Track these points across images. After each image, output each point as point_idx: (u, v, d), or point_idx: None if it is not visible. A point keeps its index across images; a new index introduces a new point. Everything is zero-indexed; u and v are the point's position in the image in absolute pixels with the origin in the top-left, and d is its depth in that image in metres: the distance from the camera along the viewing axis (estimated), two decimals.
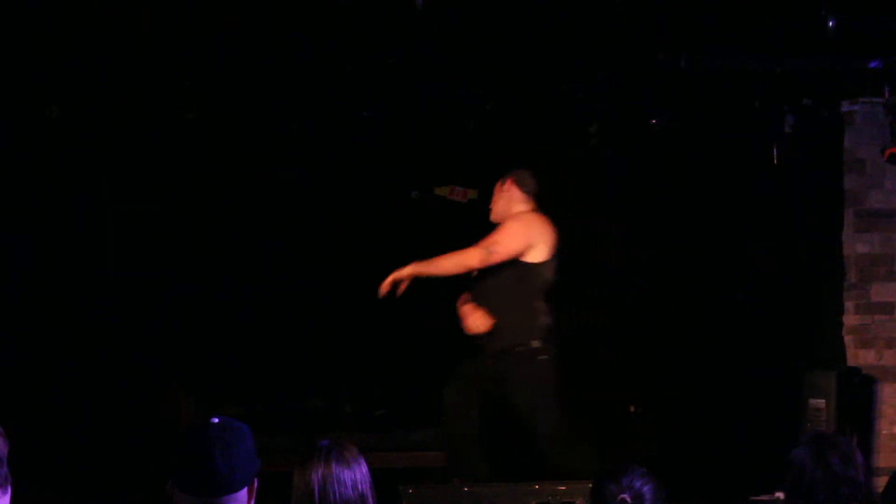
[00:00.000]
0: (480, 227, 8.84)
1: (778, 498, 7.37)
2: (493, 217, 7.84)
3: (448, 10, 6.92)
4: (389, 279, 7.52)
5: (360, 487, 4.38)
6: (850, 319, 9.04)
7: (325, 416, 8.40)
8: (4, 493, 3.63)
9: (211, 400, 7.80)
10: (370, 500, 4.42)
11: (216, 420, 3.72)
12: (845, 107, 9.05)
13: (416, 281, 8.57)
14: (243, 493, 3.65)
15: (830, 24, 7.33)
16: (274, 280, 8.71)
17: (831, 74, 8.45)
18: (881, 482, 7.72)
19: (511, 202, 7.85)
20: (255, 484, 3.71)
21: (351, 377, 8.71)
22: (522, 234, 7.71)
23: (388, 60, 7.70)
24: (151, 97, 7.98)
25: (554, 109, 8.09)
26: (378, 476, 4.52)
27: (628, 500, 4.44)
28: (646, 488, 4.49)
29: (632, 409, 8.59)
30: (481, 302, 7.64)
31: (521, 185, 7.86)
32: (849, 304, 9.04)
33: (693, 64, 7.99)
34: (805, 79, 8.54)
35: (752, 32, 7.62)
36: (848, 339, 9.02)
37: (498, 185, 7.89)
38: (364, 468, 4.45)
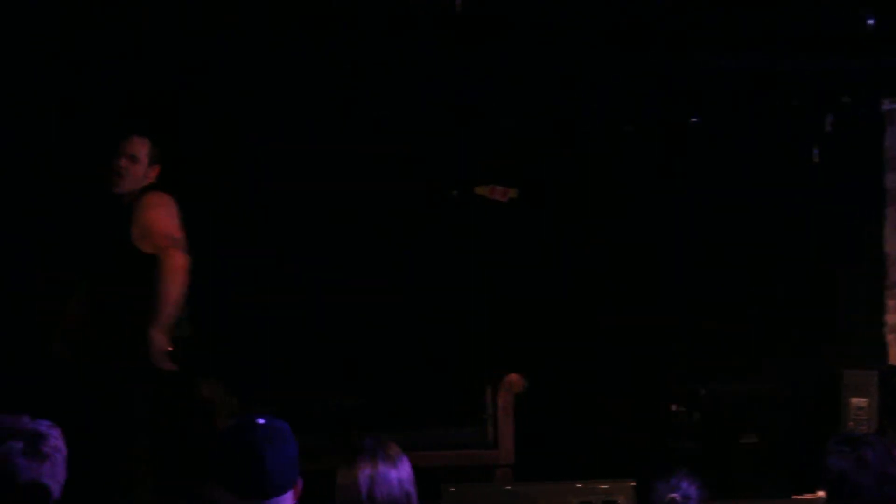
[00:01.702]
0: (520, 225, 8.84)
1: (820, 497, 7.32)
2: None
3: (487, 9, 6.91)
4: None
5: (405, 486, 4.37)
6: (891, 317, 9.00)
7: (367, 414, 8.38)
8: (59, 492, 3.64)
9: (252, 398, 7.78)
10: (414, 498, 4.40)
11: (262, 420, 3.70)
12: (886, 105, 9.00)
13: (458, 280, 8.59)
14: (289, 493, 3.63)
15: (870, 22, 7.30)
16: (314, 279, 8.70)
17: (871, 73, 8.42)
18: None
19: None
20: (300, 484, 3.69)
21: (391, 374, 8.69)
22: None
23: (430, 59, 7.70)
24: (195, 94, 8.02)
25: (592, 109, 8.06)
26: (419, 474, 4.50)
27: (678, 499, 4.44)
28: (693, 489, 4.50)
29: (673, 407, 8.53)
30: None
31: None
32: (890, 303, 9.00)
33: (732, 63, 7.97)
34: (845, 77, 8.52)
35: (791, 31, 7.60)
36: (890, 337, 8.99)
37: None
38: (408, 467, 4.43)
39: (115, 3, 6.99)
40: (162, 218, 6.89)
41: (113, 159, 6.92)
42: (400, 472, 4.37)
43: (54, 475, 3.61)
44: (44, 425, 3.69)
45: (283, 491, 3.60)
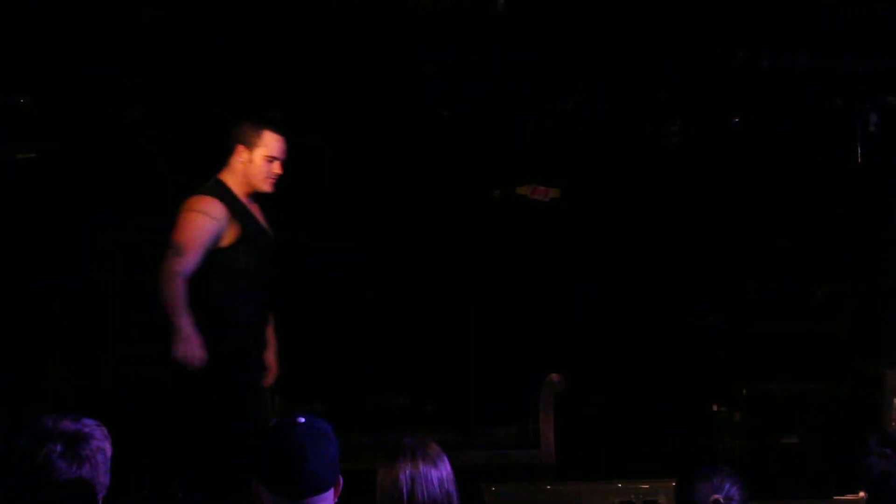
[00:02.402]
0: (562, 225, 8.83)
1: (861, 497, 7.29)
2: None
3: (529, 11, 6.90)
4: None
5: (446, 486, 4.36)
6: None
7: (407, 413, 8.38)
8: (103, 492, 3.65)
9: (296, 397, 7.79)
10: (455, 497, 4.40)
11: (303, 420, 3.70)
12: None
13: (500, 281, 8.58)
14: (331, 491, 3.64)
15: None
16: (359, 280, 8.72)
17: None
18: None
19: None
20: (341, 482, 3.70)
21: (433, 375, 8.70)
22: None
23: (470, 60, 7.69)
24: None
25: (637, 108, 8.03)
26: (460, 474, 4.49)
27: (721, 500, 4.42)
28: (735, 489, 4.47)
29: (714, 408, 8.50)
30: None
31: None
32: None
33: (776, 63, 7.94)
34: (889, 77, 8.48)
35: (835, 31, 7.57)
36: None
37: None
38: (448, 466, 4.43)
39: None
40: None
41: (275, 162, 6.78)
42: (440, 472, 4.37)
43: (95, 476, 3.60)
44: (88, 425, 3.68)
45: (324, 490, 3.61)
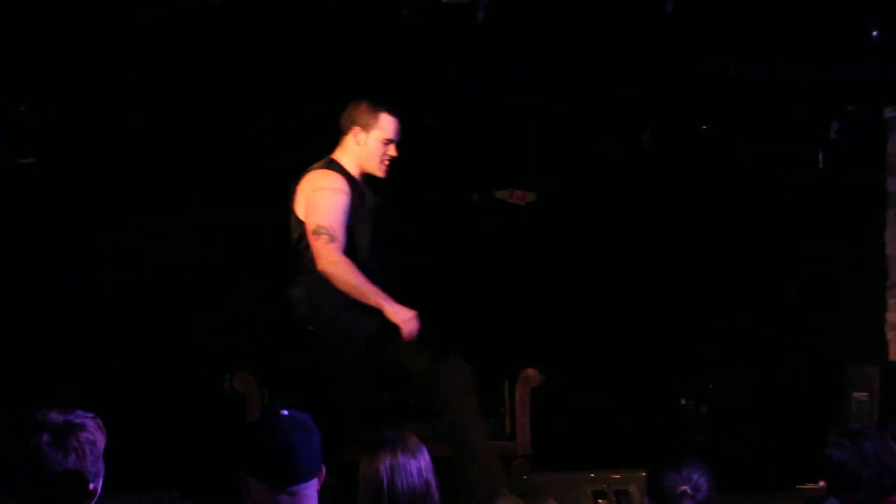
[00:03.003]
0: (538, 228, 8.82)
1: (822, 487, 7.30)
2: None
3: (507, 21, 6.90)
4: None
5: (424, 475, 4.38)
6: (892, 316, 8.99)
7: (392, 407, 8.36)
8: (96, 483, 3.63)
9: (284, 392, 7.77)
10: (433, 486, 4.42)
11: (286, 412, 3.72)
12: (888, 113, 8.99)
13: (477, 279, 8.57)
14: (314, 480, 3.66)
15: (874, 33, 7.28)
16: None
17: (874, 82, 8.40)
18: None
19: None
20: (324, 470, 3.71)
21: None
22: None
23: (450, 69, 7.68)
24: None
25: (610, 116, 8.03)
26: (439, 465, 4.50)
27: (689, 491, 4.42)
28: (702, 480, 4.48)
29: (683, 401, 8.52)
30: None
31: None
32: (891, 302, 9.00)
33: (741, 72, 7.95)
34: (849, 86, 8.49)
35: (798, 41, 7.58)
36: (890, 334, 8.98)
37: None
38: (427, 457, 4.45)
39: None
40: None
41: (391, 144, 6.61)
42: (419, 463, 4.39)
43: (84, 466, 3.59)
44: (79, 417, 3.66)
45: (309, 478, 3.63)
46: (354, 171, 6.56)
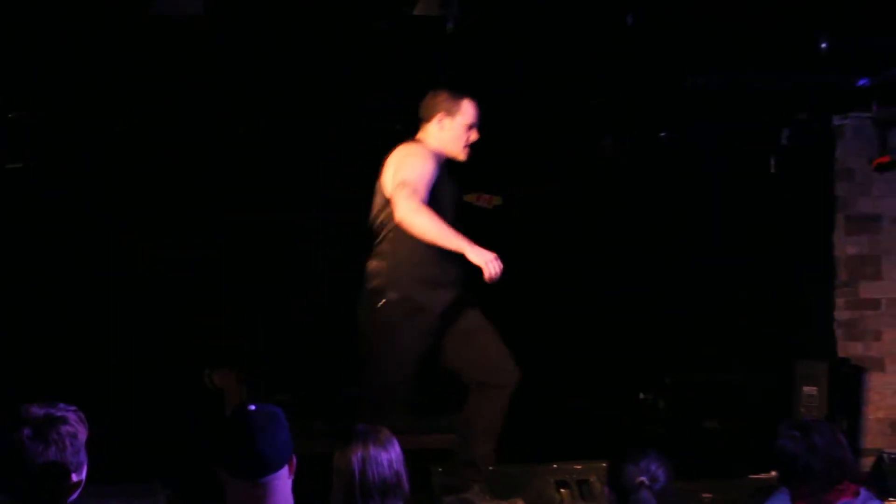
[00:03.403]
0: (504, 230, 8.83)
1: (773, 476, 7.33)
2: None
3: (476, 31, 6.91)
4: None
5: (394, 466, 4.38)
6: (840, 314, 9.03)
7: (361, 403, 8.38)
8: (79, 475, 3.63)
9: (262, 387, 7.78)
10: (404, 477, 4.42)
11: (253, 407, 3.73)
12: (837, 121, 9.03)
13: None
14: (284, 470, 3.66)
15: (823, 45, 7.30)
16: (324, 282, 8.71)
17: (824, 91, 8.44)
18: (868, 462, 7.76)
19: None
20: (294, 460, 3.72)
21: None
22: None
23: (421, 77, 7.69)
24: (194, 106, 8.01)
25: (574, 123, 8.06)
26: (410, 456, 4.51)
27: (646, 482, 4.44)
28: (660, 471, 4.50)
29: (641, 396, 8.55)
30: None
31: None
32: (839, 301, 9.03)
33: (699, 82, 7.98)
34: (800, 95, 8.53)
35: (751, 53, 7.60)
36: (838, 332, 9.02)
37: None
38: (397, 449, 4.45)
39: None
40: None
41: (473, 129, 6.60)
42: (390, 455, 4.39)
43: (64, 458, 3.59)
44: (60, 410, 3.66)
45: (275, 469, 3.63)
46: (438, 159, 6.57)
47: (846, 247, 9.04)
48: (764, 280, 8.93)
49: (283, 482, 3.67)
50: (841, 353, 8.94)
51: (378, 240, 6.60)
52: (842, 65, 7.84)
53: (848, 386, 8.75)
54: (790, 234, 9.01)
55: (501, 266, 6.16)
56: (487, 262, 6.15)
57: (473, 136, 6.61)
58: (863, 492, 4.55)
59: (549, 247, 8.55)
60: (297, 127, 8.37)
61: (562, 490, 6.84)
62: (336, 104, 8.16)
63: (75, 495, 3.61)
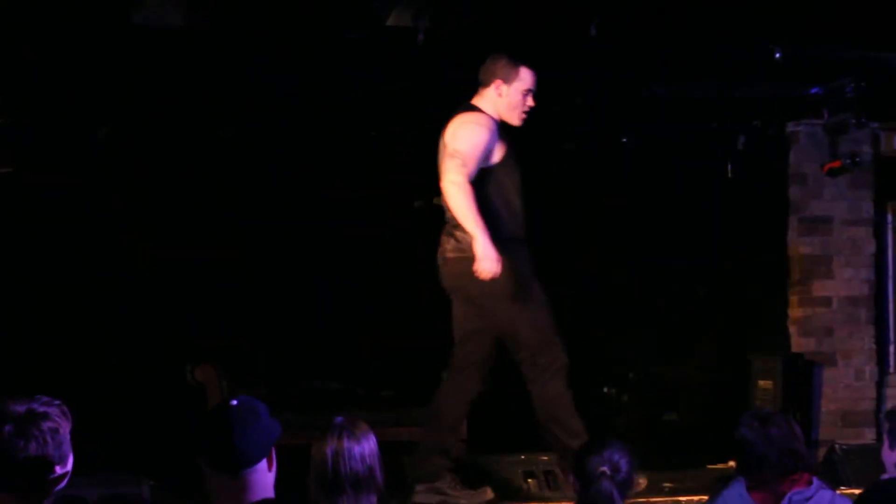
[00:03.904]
0: None
1: (731, 466, 7.34)
2: None
3: (444, 43, 6.89)
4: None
5: (367, 461, 4.31)
6: (794, 312, 9.03)
7: (341, 396, 8.34)
8: (64, 466, 3.59)
9: (243, 382, 7.74)
10: (377, 472, 4.35)
11: (235, 402, 3.68)
12: (790, 127, 9.04)
13: (418, 279, 8.52)
14: (262, 463, 3.61)
15: (777, 55, 7.31)
16: (301, 280, 8.68)
17: (778, 99, 8.46)
18: (821, 453, 7.76)
19: None
20: (273, 454, 3.66)
21: (363, 363, 8.68)
22: None
23: (394, 87, 7.68)
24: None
25: (538, 130, 8.01)
26: (385, 448, 4.46)
27: (608, 472, 4.41)
28: (623, 461, 4.47)
29: (606, 390, 8.54)
30: None
31: None
32: (793, 299, 9.04)
33: (660, 90, 7.97)
34: (755, 103, 8.54)
35: (710, 63, 7.61)
36: (792, 328, 9.02)
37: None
38: (373, 444, 4.38)
39: None
40: None
41: (529, 95, 6.51)
42: (363, 448, 4.32)
43: (45, 453, 3.55)
44: (42, 406, 3.62)
45: (253, 463, 3.58)
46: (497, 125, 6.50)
47: (799, 247, 9.04)
48: (722, 279, 8.93)
49: (261, 475, 3.60)
50: (795, 349, 8.94)
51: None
52: (795, 75, 7.86)
53: (801, 380, 8.75)
54: (746, 236, 9.01)
55: (496, 272, 6.14)
56: (485, 259, 6.14)
57: (529, 102, 6.53)
58: (815, 481, 4.54)
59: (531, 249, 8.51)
60: (275, 130, 8.33)
61: (529, 480, 6.82)
62: (311, 110, 8.13)
63: (62, 485, 3.56)
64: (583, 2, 6.94)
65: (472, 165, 6.26)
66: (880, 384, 9.08)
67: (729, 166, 8.84)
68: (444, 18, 6.63)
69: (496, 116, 6.51)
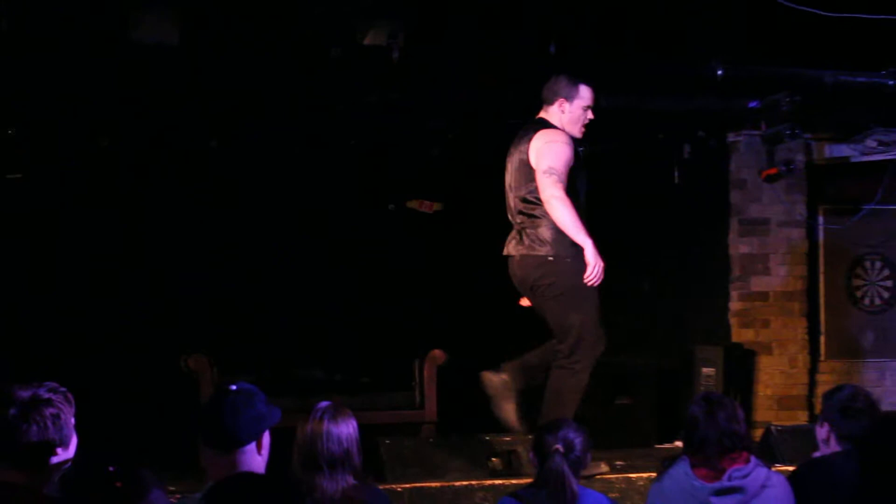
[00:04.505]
0: (444, 232, 8.85)
1: (677, 446, 7.36)
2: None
3: (418, 61, 6.92)
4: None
5: (345, 444, 4.33)
6: (734, 305, 9.09)
7: (323, 382, 8.36)
8: (66, 450, 3.60)
9: (232, 370, 7.75)
10: (355, 455, 4.36)
11: (234, 387, 3.71)
12: (731, 137, 9.10)
13: (394, 278, 8.58)
14: (252, 446, 3.63)
15: (719, 72, 7.35)
16: (286, 277, 8.68)
17: (720, 112, 8.49)
18: (758, 433, 7.83)
19: None
20: (265, 439, 3.69)
21: (343, 352, 8.69)
22: None
23: (370, 100, 7.69)
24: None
25: (500, 143, 8.04)
26: (362, 431, 4.48)
27: (561, 449, 4.44)
28: (577, 440, 4.50)
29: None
30: None
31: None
32: (733, 293, 9.10)
33: (612, 102, 8.00)
34: (699, 116, 8.58)
35: (658, 79, 7.64)
36: (733, 320, 9.09)
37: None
38: (352, 428, 4.40)
39: None
40: None
41: (588, 110, 6.55)
42: (341, 431, 4.34)
43: (47, 437, 3.56)
44: (46, 392, 3.63)
45: (241, 444, 3.61)
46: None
47: (739, 247, 9.11)
48: (670, 275, 8.97)
49: (250, 456, 3.63)
50: (735, 339, 9.01)
51: (529, 211, 6.51)
52: (735, 90, 7.89)
53: (741, 367, 8.81)
54: (691, 236, 9.06)
55: (602, 277, 6.24)
56: (595, 267, 6.24)
57: (589, 115, 6.59)
58: (752, 459, 4.57)
59: (480, 248, 8.52)
60: (262, 138, 8.34)
61: (492, 458, 6.83)
62: (296, 120, 8.15)
63: (67, 465, 3.59)
64: (544, 23, 7.00)
65: (565, 179, 6.35)
66: (812, 371, 9.17)
67: (675, 173, 8.87)
68: (416, 39, 6.67)
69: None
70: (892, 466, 3.44)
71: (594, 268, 6.24)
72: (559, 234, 6.37)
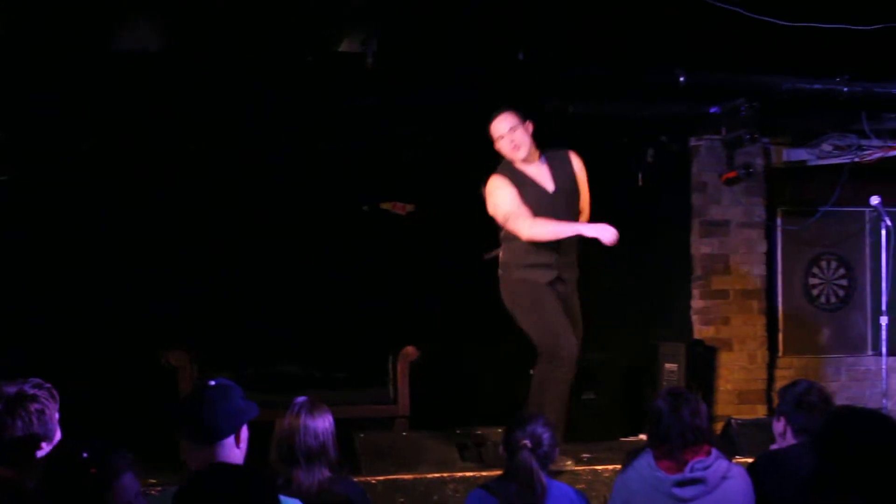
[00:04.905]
0: (416, 232, 8.83)
1: (641, 439, 7.37)
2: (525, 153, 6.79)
3: (391, 68, 6.90)
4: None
5: (321, 438, 4.33)
6: (696, 303, 9.12)
7: (301, 378, 8.32)
8: (51, 444, 3.58)
9: (211, 366, 7.71)
10: (331, 449, 4.36)
11: (213, 383, 3.70)
12: (692, 142, 9.12)
13: (368, 278, 8.55)
14: (230, 439, 3.61)
15: (682, 79, 7.37)
16: (265, 276, 8.65)
17: (682, 117, 8.51)
18: (718, 427, 7.84)
19: None
20: (244, 432, 3.67)
21: (320, 349, 8.66)
22: None
23: (345, 105, 7.67)
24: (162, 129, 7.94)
25: (470, 147, 8.04)
26: (338, 425, 4.47)
27: (529, 444, 4.43)
28: (545, 435, 4.49)
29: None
30: None
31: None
32: (695, 292, 9.12)
33: (578, 109, 8.00)
34: (662, 121, 8.59)
35: (621, 85, 7.64)
36: (694, 318, 9.11)
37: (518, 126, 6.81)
38: (328, 422, 4.39)
39: None
40: None
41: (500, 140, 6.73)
42: (317, 425, 4.34)
43: (31, 432, 3.54)
44: (32, 388, 3.61)
45: (218, 438, 3.59)
46: (516, 164, 6.76)
47: (701, 247, 9.13)
48: (634, 275, 8.97)
49: (229, 449, 3.62)
50: (696, 336, 9.03)
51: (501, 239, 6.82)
52: (696, 96, 7.91)
53: (702, 363, 8.84)
54: (655, 237, 9.06)
55: (616, 232, 6.48)
56: (602, 231, 6.49)
57: (504, 145, 6.76)
58: (714, 451, 4.57)
59: (455, 248, 8.51)
60: (242, 141, 8.31)
61: (464, 452, 6.83)
62: (272, 124, 8.12)
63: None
64: (513, 32, 7.00)
65: (520, 211, 6.62)
66: (770, 366, 9.20)
67: (639, 176, 8.88)
68: (389, 47, 6.66)
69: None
70: (845, 458, 3.44)
71: (603, 232, 6.48)
72: (506, 255, 6.75)
